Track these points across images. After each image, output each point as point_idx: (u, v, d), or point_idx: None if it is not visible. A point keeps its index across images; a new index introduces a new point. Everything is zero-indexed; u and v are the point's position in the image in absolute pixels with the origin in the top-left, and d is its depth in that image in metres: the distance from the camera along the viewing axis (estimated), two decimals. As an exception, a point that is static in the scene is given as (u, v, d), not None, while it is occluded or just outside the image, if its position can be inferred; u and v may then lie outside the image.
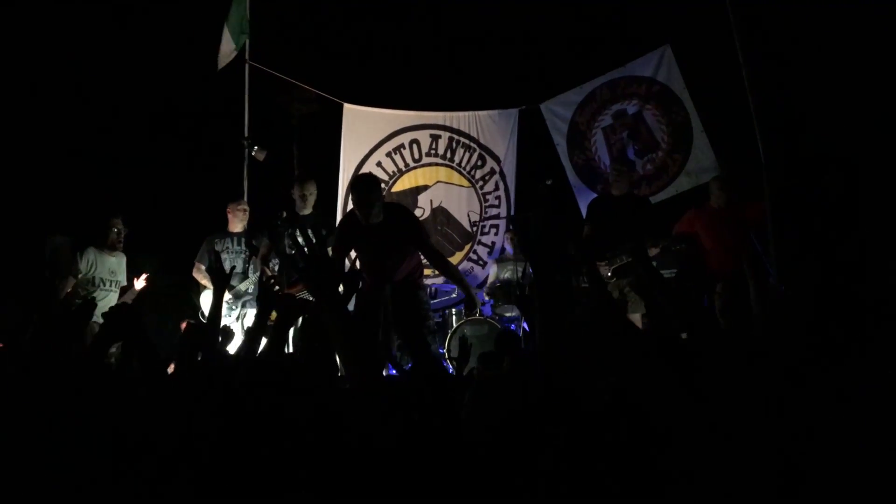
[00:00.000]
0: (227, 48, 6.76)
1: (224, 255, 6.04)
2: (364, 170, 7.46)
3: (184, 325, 6.41)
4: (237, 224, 6.18)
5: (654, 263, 6.44)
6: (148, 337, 2.68)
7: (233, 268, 4.58)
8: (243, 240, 6.12)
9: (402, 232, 4.87)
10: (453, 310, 7.21)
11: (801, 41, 5.94)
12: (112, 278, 5.74)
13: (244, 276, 6.02)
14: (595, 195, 7.22)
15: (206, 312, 5.85)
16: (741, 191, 5.79)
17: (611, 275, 5.55)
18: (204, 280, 5.98)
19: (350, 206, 7.34)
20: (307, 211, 6.05)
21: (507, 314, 6.92)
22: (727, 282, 5.51)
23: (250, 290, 6.02)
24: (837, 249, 4.98)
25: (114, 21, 7.65)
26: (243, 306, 6.01)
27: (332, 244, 4.81)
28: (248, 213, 6.23)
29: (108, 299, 5.65)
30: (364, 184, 4.85)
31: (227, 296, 5.91)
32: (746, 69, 5.57)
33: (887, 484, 1.65)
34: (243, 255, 6.07)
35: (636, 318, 5.36)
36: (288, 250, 5.29)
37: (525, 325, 6.64)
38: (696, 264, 5.82)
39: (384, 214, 4.76)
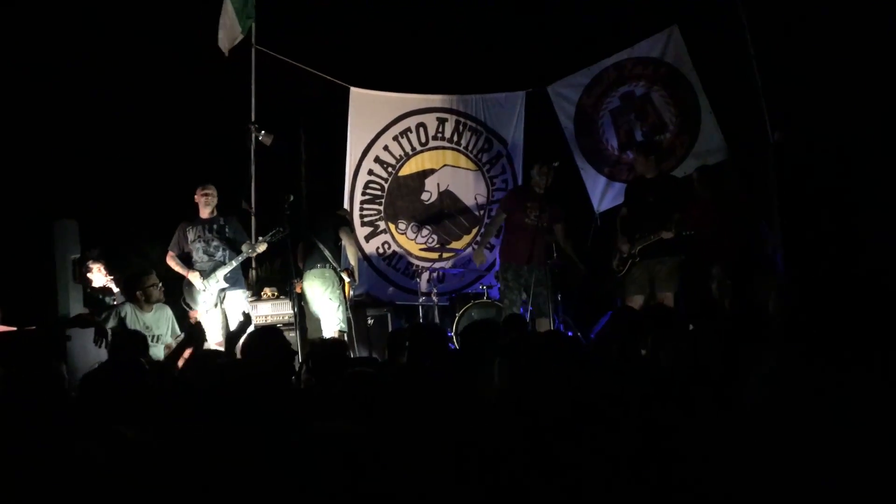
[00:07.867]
0: (231, 31, 6.72)
1: (197, 244, 6.07)
2: (371, 153, 7.46)
3: (192, 316, 6.51)
4: (205, 210, 6.16)
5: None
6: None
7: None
8: (214, 226, 6.13)
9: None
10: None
11: (810, 20, 5.88)
12: (147, 333, 5.44)
13: (221, 262, 6.04)
14: (602, 177, 7.24)
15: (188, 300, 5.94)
16: (747, 176, 5.77)
17: (636, 253, 5.71)
18: (177, 267, 6.07)
19: (356, 189, 7.42)
20: None
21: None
22: (725, 264, 5.53)
23: (228, 275, 6.03)
24: (844, 236, 4.95)
25: (119, 7, 7.67)
26: (221, 290, 6.03)
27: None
28: (212, 196, 6.15)
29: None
30: None
31: (201, 283, 5.97)
32: (754, 49, 5.52)
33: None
34: (216, 240, 6.07)
35: (668, 296, 5.64)
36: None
37: (531, 308, 6.62)
38: (698, 251, 5.82)
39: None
